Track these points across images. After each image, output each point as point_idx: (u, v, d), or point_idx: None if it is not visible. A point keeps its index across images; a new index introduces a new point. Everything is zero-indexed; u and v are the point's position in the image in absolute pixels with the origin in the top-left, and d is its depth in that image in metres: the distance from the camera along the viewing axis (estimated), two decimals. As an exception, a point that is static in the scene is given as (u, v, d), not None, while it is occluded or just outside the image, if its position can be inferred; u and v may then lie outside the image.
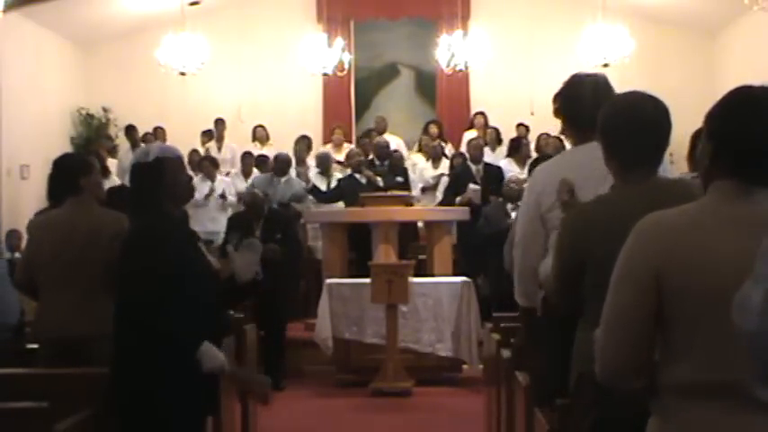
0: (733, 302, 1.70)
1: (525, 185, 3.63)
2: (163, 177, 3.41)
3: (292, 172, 10.57)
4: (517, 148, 11.14)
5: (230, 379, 3.63)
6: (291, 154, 11.17)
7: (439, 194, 10.78)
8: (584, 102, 3.31)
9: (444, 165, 11.28)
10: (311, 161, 11.39)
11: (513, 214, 8.19)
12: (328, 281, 8.31)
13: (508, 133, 12.09)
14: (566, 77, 3.47)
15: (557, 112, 3.44)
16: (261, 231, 8.15)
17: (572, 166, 3.22)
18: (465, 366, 8.19)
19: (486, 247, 8.10)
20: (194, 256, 3.45)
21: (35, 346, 4.50)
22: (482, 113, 12.53)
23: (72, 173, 4.39)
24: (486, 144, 11.60)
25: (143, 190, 3.43)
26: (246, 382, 3.73)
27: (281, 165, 10.28)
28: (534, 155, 11.02)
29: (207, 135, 12.55)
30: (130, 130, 12.02)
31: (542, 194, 3.25)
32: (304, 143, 11.82)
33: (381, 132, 12.31)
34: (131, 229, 3.49)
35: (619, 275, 2.05)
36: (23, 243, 9.00)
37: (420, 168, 11.45)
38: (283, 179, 10.18)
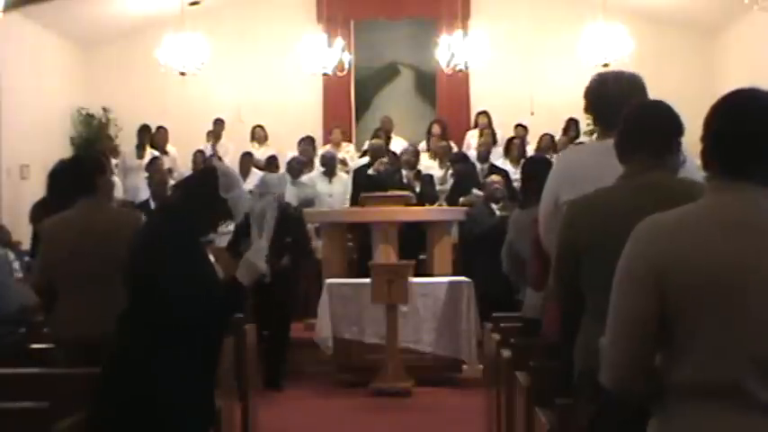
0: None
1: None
2: (219, 211, 3.47)
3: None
4: (510, 149, 11.15)
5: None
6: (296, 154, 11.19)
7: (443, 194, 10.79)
8: (609, 98, 3.28)
9: None
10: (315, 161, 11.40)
11: (498, 213, 8.23)
12: (328, 281, 8.31)
13: (507, 133, 12.10)
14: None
15: (586, 108, 3.43)
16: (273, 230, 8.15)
17: (596, 158, 3.19)
18: (465, 366, 8.19)
19: (476, 247, 8.12)
20: (211, 271, 3.47)
21: (37, 346, 4.50)
22: (485, 113, 12.53)
23: (89, 172, 4.38)
24: (494, 144, 11.63)
25: (202, 194, 3.46)
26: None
27: (295, 166, 10.44)
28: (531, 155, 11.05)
29: (210, 135, 12.57)
30: (143, 131, 11.94)
31: (559, 189, 3.26)
32: (310, 144, 11.79)
33: (388, 132, 12.27)
34: (163, 236, 3.45)
35: (620, 280, 2.05)
36: (11, 238, 9.05)
37: (427, 168, 11.41)
38: (296, 180, 10.29)
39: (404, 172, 10.11)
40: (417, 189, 9.90)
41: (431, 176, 10.45)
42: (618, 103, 3.15)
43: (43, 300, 4.54)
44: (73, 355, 4.17)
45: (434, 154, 11.54)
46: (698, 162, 2.37)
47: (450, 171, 10.81)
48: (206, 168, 3.59)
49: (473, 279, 8.17)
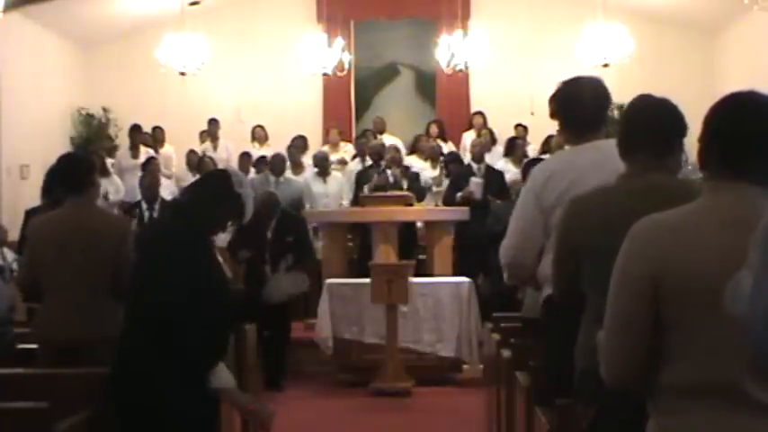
0: (726, 289, 1.72)
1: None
2: (232, 208, 3.46)
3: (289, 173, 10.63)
4: (512, 149, 11.15)
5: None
6: (286, 155, 11.17)
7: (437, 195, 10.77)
8: (583, 102, 3.33)
9: None
10: (308, 161, 11.38)
11: None
12: (328, 281, 8.31)
13: (508, 133, 12.09)
14: (566, 77, 3.48)
15: (553, 114, 3.46)
16: (272, 233, 8.12)
17: (575, 165, 3.23)
18: (465, 366, 8.19)
19: (491, 244, 8.10)
20: (219, 272, 3.46)
21: (34, 346, 4.49)
22: (481, 113, 12.54)
23: (81, 171, 4.37)
24: (492, 144, 11.62)
25: (214, 192, 3.46)
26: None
27: (277, 164, 10.34)
28: (532, 155, 11.03)
29: (204, 135, 12.57)
30: (134, 131, 11.96)
31: (543, 192, 3.28)
32: (301, 143, 11.80)
33: (379, 133, 12.28)
34: (169, 236, 3.44)
35: (617, 279, 2.06)
36: (8, 238, 9.04)
37: (418, 169, 11.39)
38: (281, 179, 10.22)
39: (388, 171, 10.06)
40: (405, 185, 9.86)
41: (417, 174, 10.42)
42: (593, 106, 3.19)
43: (27, 298, 4.54)
44: (53, 356, 4.16)
45: (423, 153, 11.51)
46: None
47: (444, 171, 10.79)
48: (217, 169, 3.61)
49: (487, 277, 8.19)
